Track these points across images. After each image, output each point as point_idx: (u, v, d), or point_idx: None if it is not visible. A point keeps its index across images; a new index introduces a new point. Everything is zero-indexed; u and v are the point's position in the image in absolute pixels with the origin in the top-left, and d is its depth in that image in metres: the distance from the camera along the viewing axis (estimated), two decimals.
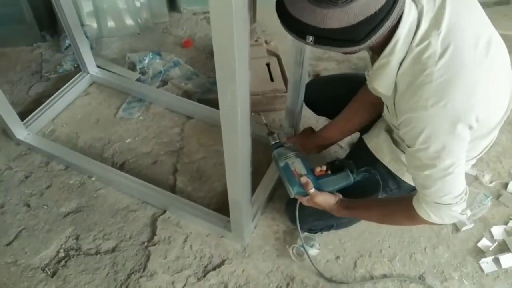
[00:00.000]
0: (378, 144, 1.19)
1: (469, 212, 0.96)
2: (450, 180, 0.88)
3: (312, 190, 1.13)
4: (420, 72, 0.82)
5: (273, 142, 1.32)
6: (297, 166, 1.19)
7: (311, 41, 0.77)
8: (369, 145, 1.22)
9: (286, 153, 1.24)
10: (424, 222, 0.98)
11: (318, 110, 1.52)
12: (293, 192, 1.16)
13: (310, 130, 1.46)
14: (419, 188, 0.95)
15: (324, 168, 1.20)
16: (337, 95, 1.32)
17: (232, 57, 0.74)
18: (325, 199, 1.14)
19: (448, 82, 0.80)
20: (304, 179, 1.14)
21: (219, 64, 0.78)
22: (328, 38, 0.76)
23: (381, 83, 0.91)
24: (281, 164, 1.22)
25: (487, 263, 1.37)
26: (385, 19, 0.74)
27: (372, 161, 1.19)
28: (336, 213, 1.16)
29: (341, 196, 1.17)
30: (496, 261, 1.38)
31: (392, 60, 0.85)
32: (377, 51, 0.89)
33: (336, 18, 0.72)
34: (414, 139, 0.86)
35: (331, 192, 1.16)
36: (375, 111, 1.23)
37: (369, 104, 1.22)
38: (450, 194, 0.90)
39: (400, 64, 0.86)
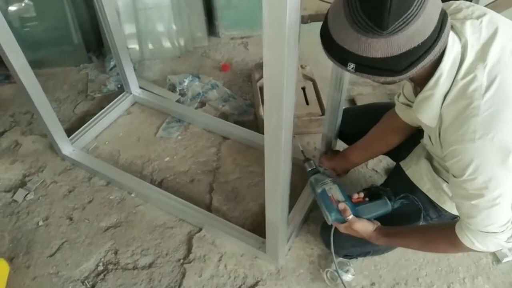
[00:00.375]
0: (417, 171, 1.19)
1: None
2: (496, 210, 0.88)
3: (351, 217, 1.13)
4: (466, 105, 0.83)
5: (310, 169, 1.33)
6: (335, 192, 1.20)
7: (352, 68, 0.79)
8: (407, 172, 1.22)
9: (323, 179, 1.25)
10: (467, 250, 0.97)
11: (350, 142, 1.51)
12: (331, 218, 1.16)
13: (334, 153, 1.47)
14: (464, 217, 0.94)
15: (362, 195, 1.20)
16: (370, 128, 1.33)
17: (281, 84, 0.78)
18: (364, 226, 1.14)
19: (495, 114, 0.80)
20: (342, 205, 1.15)
21: (268, 90, 0.82)
22: (369, 66, 0.77)
23: (425, 115, 0.92)
24: (319, 190, 1.22)
25: None
26: (427, 52, 0.75)
27: (410, 189, 1.19)
28: (375, 241, 1.15)
29: (379, 223, 1.17)
30: None
31: (436, 93, 0.86)
32: (419, 83, 0.91)
33: (379, 48, 0.74)
34: (462, 170, 0.86)
35: (369, 219, 1.16)
36: (400, 137, 1.24)
37: (393, 130, 1.23)
38: (496, 223, 0.89)
39: (445, 96, 0.87)
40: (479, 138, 0.81)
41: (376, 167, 1.71)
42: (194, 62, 2.32)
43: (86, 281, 1.42)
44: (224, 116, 1.98)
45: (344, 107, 1.42)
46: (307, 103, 1.89)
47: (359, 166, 1.71)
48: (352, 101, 2.02)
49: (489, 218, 0.89)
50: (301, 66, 2.11)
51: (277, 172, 1.02)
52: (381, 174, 1.69)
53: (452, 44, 0.82)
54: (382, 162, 1.72)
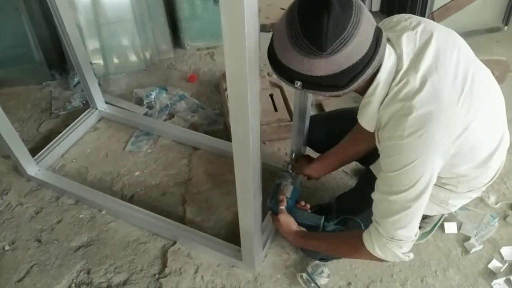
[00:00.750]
0: None
1: (411, 255, 1.01)
2: (410, 214, 0.93)
3: (282, 208, 1.27)
4: (399, 106, 0.89)
5: (284, 170, 1.44)
6: (286, 189, 1.33)
7: (299, 85, 0.85)
8: (377, 174, 1.24)
9: (285, 177, 1.39)
10: (367, 255, 1.03)
11: (318, 149, 1.56)
12: (268, 204, 1.27)
13: (308, 158, 1.51)
14: (377, 217, 0.99)
15: (308, 206, 1.34)
16: (338, 134, 1.37)
17: (245, 92, 0.79)
18: (288, 222, 1.26)
19: (425, 115, 0.86)
20: (281, 197, 1.29)
21: (232, 99, 0.83)
22: (314, 83, 0.84)
23: (365, 119, 0.99)
24: (276, 182, 1.37)
25: (499, 285, 1.37)
26: (366, 67, 0.83)
27: None
28: (292, 239, 1.27)
29: (304, 229, 1.26)
30: (508, 282, 1.38)
31: (374, 100, 0.93)
32: (361, 92, 0.96)
33: (322, 67, 0.80)
34: (391, 166, 0.91)
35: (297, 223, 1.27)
36: (370, 145, 1.28)
37: (363, 138, 1.27)
38: (405, 228, 0.94)
39: (382, 102, 0.93)
40: (408, 135, 0.86)
41: (345, 169, 1.74)
42: (160, 74, 2.31)
43: None
44: (193, 126, 1.98)
45: (310, 115, 1.45)
46: (275, 109, 1.91)
47: None
48: (319, 105, 2.06)
49: (401, 220, 0.93)
50: (268, 74, 2.13)
51: (247, 179, 1.03)
52: (351, 175, 1.72)
53: (389, 56, 0.90)
54: (352, 164, 1.75)
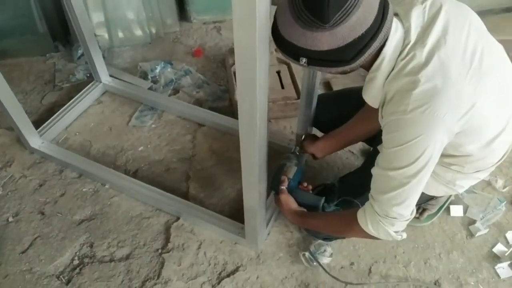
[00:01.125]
0: None
1: (404, 235, 1.00)
2: (407, 191, 0.91)
3: (283, 187, 1.27)
4: (405, 81, 0.86)
5: (291, 152, 1.45)
6: (290, 170, 1.34)
7: (304, 62, 0.84)
8: None
9: (290, 159, 1.39)
10: (360, 232, 1.02)
11: (324, 129, 1.53)
12: (270, 183, 1.28)
13: (313, 137, 1.48)
14: (374, 192, 0.97)
15: (310, 187, 1.35)
16: (345, 114, 1.34)
17: (253, 63, 0.76)
18: (288, 201, 1.26)
19: (431, 89, 0.83)
20: (284, 178, 1.30)
21: (240, 70, 0.80)
22: (319, 59, 0.82)
23: (369, 95, 0.97)
24: (280, 162, 1.37)
25: (503, 269, 1.36)
26: (372, 40, 0.80)
27: None
28: (290, 218, 1.27)
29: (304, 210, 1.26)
30: None
31: (379, 75, 0.90)
32: (366, 68, 0.93)
33: (325, 41, 0.78)
34: (391, 141, 0.89)
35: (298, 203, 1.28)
36: (377, 124, 1.26)
37: (372, 115, 1.24)
38: (401, 206, 0.93)
39: (387, 77, 0.90)
40: (411, 110, 0.83)
41: (352, 149, 1.71)
42: (165, 48, 2.27)
43: (61, 276, 1.39)
44: (198, 102, 1.95)
45: (318, 94, 1.42)
46: (282, 87, 1.87)
47: None
48: (327, 84, 2.02)
49: (398, 196, 0.92)
50: (275, 50, 2.08)
51: (253, 155, 1.01)
52: (357, 156, 1.70)
53: (395, 30, 0.86)
54: (358, 144, 1.73)
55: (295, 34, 0.80)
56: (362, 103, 1.27)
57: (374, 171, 0.98)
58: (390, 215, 0.95)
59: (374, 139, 1.32)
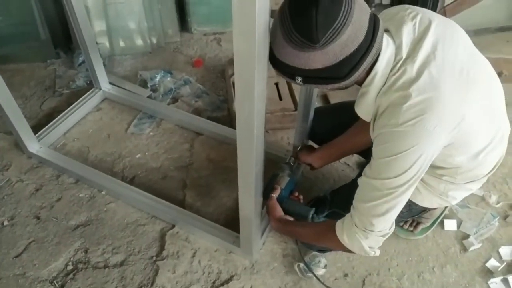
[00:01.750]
0: None
1: (378, 252, 1.01)
2: (389, 202, 0.92)
3: (273, 195, 1.30)
4: (396, 95, 0.88)
5: (285, 162, 1.47)
6: (282, 180, 1.37)
7: (300, 81, 0.86)
8: None
9: (283, 169, 1.41)
10: (336, 243, 1.03)
11: (320, 142, 1.54)
12: (261, 192, 1.26)
13: (310, 148, 1.50)
14: (356, 201, 0.99)
15: (301, 197, 1.37)
16: (340, 127, 1.36)
17: (251, 73, 0.78)
18: (273, 208, 1.28)
19: (421, 104, 0.85)
20: (276, 187, 1.33)
21: (239, 79, 0.82)
22: (314, 77, 0.84)
23: (362, 109, 0.99)
24: (274, 172, 1.40)
25: (496, 284, 1.37)
26: (364, 55, 0.82)
27: None
28: (274, 225, 1.29)
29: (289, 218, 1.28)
30: (505, 281, 1.37)
31: (371, 89, 0.92)
32: (359, 83, 0.96)
33: (318, 60, 0.80)
34: (381, 152, 0.91)
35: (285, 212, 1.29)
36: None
37: (367, 128, 1.26)
38: (380, 218, 0.94)
39: (379, 92, 0.92)
40: (402, 123, 0.86)
41: (348, 161, 1.73)
42: (166, 57, 2.29)
43: (54, 281, 1.38)
44: (197, 112, 1.97)
45: (315, 107, 1.44)
46: (280, 98, 1.90)
47: None
48: (324, 96, 2.04)
49: (379, 208, 0.93)
50: None
51: (249, 165, 1.02)
52: (353, 168, 1.71)
53: (386, 46, 0.89)
54: (354, 156, 1.74)
55: (288, 55, 0.82)
56: (357, 116, 1.30)
57: (360, 180, 0.99)
58: (368, 228, 0.96)
59: (368, 152, 1.34)
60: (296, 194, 1.37)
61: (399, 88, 0.88)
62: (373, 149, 0.94)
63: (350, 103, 1.46)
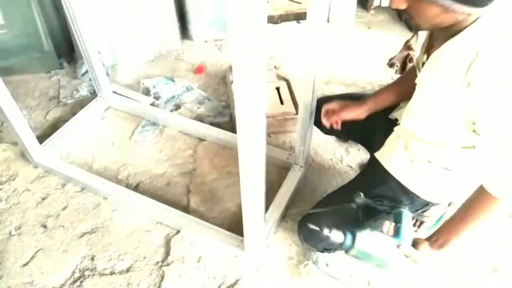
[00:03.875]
0: (392, 161, 1.22)
1: None
2: None
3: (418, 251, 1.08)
4: None
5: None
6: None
7: None
8: (382, 163, 1.25)
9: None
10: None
11: (325, 129, 1.52)
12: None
13: (343, 103, 1.38)
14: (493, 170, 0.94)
15: (388, 224, 1.12)
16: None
17: (251, 76, 0.79)
18: (427, 246, 1.09)
19: None
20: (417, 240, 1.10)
21: (238, 85, 0.83)
22: None
23: None
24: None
25: None
26: None
27: (384, 178, 1.22)
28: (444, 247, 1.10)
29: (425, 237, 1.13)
30: None
31: None
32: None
33: None
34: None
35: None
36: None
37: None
38: None
39: None
40: None
41: (350, 163, 1.74)
42: (168, 65, 2.32)
43: None
44: (199, 118, 1.98)
45: (318, 97, 1.41)
46: (281, 102, 1.91)
47: (334, 162, 1.74)
48: None
49: None
50: (275, 67, 2.13)
51: (251, 169, 1.03)
52: (356, 170, 1.72)
53: None
54: (357, 158, 1.76)
55: None
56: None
57: (485, 147, 0.94)
58: None
59: (371, 146, 1.34)
60: (386, 228, 1.10)
61: None
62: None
63: (357, 95, 1.44)
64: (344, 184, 1.45)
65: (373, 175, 1.25)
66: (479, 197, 1.02)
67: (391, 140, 1.25)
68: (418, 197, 1.19)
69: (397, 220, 1.12)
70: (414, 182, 1.18)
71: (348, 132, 1.53)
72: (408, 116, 1.14)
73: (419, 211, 1.38)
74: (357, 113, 1.34)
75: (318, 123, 1.52)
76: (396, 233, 1.08)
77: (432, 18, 0.86)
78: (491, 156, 0.95)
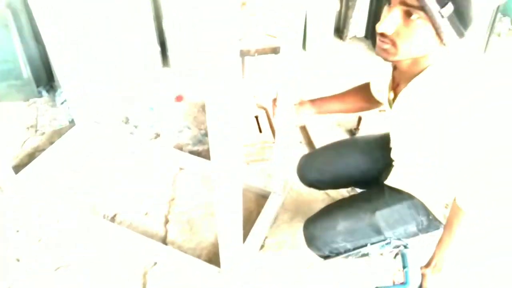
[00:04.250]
0: (407, 183, 1.22)
1: None
2: None
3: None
4: None
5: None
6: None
7: (447, 8, 0.82)
8: (398, 186, 1.23)
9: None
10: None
11: (320, 188, 1.56)
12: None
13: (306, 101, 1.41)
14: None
15: (397, 271, 1.18)
16: (336, 173, 1.40)
17: (225, 110, 0.81)
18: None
19: None
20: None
21: (211, 117, 0.84)
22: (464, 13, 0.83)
23: None
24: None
25: None
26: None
27: (399, 200, 1.22)
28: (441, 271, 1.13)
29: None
30: None
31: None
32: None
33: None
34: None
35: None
36: (367, 107, 1.37)
37: (363, 98, 1.34)
38: None
39: None
40: None
41: (342, 191, 1.74)
42: (147, 93, 2.33)
43: None
44: (179, 146, 1.99)
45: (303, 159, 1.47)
46: (260, 131, 1.94)
47: (312, 190, 1.75)
48: (303, 128, 2.09)
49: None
50: (254, 96, 2.16)
51: (227, 199, 1.04)
52: (333, 197, 1.73)
53: None
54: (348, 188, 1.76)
55: None
56: (352, 163, 1.38)
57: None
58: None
59: (366, 186, 1.39)
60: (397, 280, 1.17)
61: None
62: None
63: (340, 145, 1.48)
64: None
65: (384, 201, 1.23)
66: (454, 210, 1.06)
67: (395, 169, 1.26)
68: (435, 218, 1.19)
69: (404, 263, 1.15)
70: (432, 199, 1.18)
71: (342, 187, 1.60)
72: (394, 151, 1.21)
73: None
74: (302, 112, 1.38)
75: (310, 185, 1.52)
76: (405, 279, 1.11)
77: (418, 45, 0.89)
78: (456, 174, 1.00)
